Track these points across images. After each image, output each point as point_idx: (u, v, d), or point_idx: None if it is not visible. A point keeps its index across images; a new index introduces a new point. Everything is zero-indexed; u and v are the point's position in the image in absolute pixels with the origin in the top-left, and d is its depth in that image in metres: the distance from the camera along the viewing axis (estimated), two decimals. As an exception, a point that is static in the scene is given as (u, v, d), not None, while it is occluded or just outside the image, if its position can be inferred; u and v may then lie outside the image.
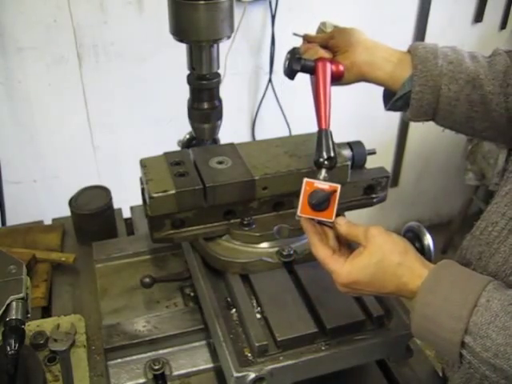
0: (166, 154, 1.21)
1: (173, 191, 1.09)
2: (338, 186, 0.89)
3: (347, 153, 1.23)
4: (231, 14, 1.17)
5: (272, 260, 1.10)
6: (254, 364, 0.95)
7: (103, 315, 1.21)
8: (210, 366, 1.14)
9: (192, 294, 1.24)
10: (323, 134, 0.96)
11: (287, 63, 1.05)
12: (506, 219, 0.85)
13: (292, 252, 1.11)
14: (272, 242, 1.14)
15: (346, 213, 1.21)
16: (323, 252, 0.87)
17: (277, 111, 2.58)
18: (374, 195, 1.26)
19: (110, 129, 2.37)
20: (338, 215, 0.90)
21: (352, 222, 0.88)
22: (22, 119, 2.23)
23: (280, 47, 2.40)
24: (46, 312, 1.27)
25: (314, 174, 0.94)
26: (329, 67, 1.02)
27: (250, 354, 0.97)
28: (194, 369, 1.13)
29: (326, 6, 2.37)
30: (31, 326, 1.14)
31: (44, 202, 2.39)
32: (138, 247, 1.38)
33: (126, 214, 1.61)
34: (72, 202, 1.46)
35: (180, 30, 1.17)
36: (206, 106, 1.29)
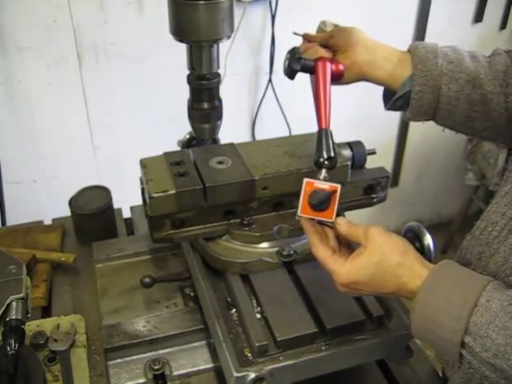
0: (166, 154, 1.21)
1: (173, 191, 1.09)
2: (339, 186, 0.89)
3: (347, 153, 1.23)
4: (231, 14, 1.17)
5: (272, 260, 1.10)
6: (254, 364, 0.95)
7: (103, 315, 1.21)
8: (210, 366, 1.14)
9: (192, 294, 1.24)
10: (323, 133, 0.96)
11: (287, 63, 1.05)
12: (506, 219, 0.85)
13: (292, 252, 1.11)
14: (272, 242, 1.14)
15: (346, 213, 1.21)
16: (323, 252, 0.87)
17: (277, 111, 2.58)
18: (374, 195, 1.26)
19: (110, 129, 2.37)
20: (338, 215, 0.90)
21: (352, 222, 0.88)
22: (22, 119, 2.23)
23: (280, 47, 2.40)
24: (46, 312, 1.27)
25: (314, 174, 0.94)
26: (329, 67, 1.02)
27: (249, 354, 0.97)
28: (194, 369, 1.13)
29: (326, 5, 2.37)
30: (31, 326, 1.14)
31: (44, 202, 2.39)
32: (138, 247, 1.38)
33: (126, 213, 1.61)
34: (72, 202, 1.46)
35: (180, 30, 1.17)
36: (206, 106, 1.29)
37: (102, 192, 1.49)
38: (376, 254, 0.82)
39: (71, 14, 2.07)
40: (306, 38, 1.14)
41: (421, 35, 2.67)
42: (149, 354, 1.14)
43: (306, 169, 1.15)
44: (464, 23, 2.78)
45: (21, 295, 0.85)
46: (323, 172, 0.93)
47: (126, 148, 2.38)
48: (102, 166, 2.44)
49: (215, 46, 1.23)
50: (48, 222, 1.59)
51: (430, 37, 2.67)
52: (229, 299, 1.10)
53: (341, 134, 1.16)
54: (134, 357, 1.14)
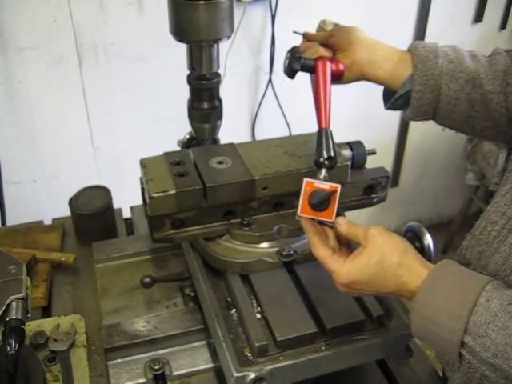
0: (166, 154, 1.21)
1: (173, 191, 1.09)
2: (339, 186, 0.89)
3: (347, 153, 1.23)
4: (231, 14, 1.17)
5: (272, 260, 1.10)
6: (253, 364, 0.95)
7: (103, 315, 1.21)
8: (210, 366, 1.14)
9: (192, 294, 1.24)
10: (323, 133, 0.96)
11: (287, 62, 1.05)
12: (506, 218, 0.85)
13: (292, 252, 1.11)
14: (272, 241, 1.14)
15: (346, 213, 1.21)
16: (323, 252, 0.87)
17: (277, 111, 2.58)
18: (374, 195, 1.26)
19: (110, 129, 2.37)
20: (338, 215, 0.90)
21: (352, 222, 0.88)
22: (22, 119, 2.23)
23: (280, 47, 2.40)
24: (46, 312, 1.27)
25: (313, 174, 0.94)
26: (329, 66, 1.02)
27: (250, 354, 0.97)
28: (194, 369, 1.13)
29: (326, 5, 2.37)
30: (31, 326, 1.14)
31: (44, 202, 2.39)
32: (138, 247, 1.38)
33: (126, 213, 1.61)
34: (72, 202, 1.46)
35: (180, 30, 1.17)
36: (205, 106, 1.29)
37: (102, 192, 1.49)
38: (376, 254, 0.82)
39: (71, 13, 2.08)
40: (306, 37, 1.14)
41: (421, 35, 2.67)
42: (149, 353, 1.14)
43: (305, 169, 1.15)
44: (464, 23, 2.78)
45: (21, 295, 0.85)
46: (323, 172, 0.93)
47: (126, 148, 2.38)
48: (102, 166, 2.44)
49: (215, 46, 1.23)
50: (48, 222, 1.59)
51: (430, 37, 2.67)
52: (229, 299, 1.10)
53: (341, 134, 1.16)
54: (134, 357, 1.14)
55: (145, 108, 2.35)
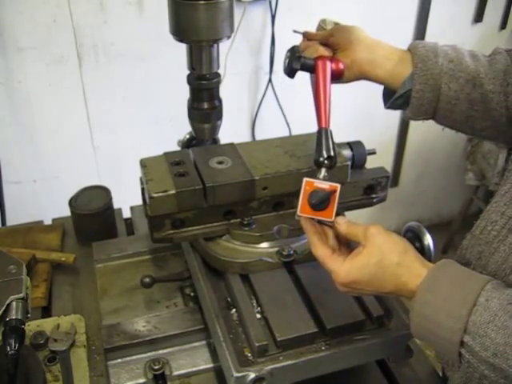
0: (166, 154, 1.21)
1: (173, 191, 1.09)
2: (338, 186, 0.89)
3: (347, 153, 1.23)
4: (231, 14, 1.17)
5: (272, 260, 1.10)
6: (253, 364, 0.95)
7: (103, 315, 1.21)
8: (210, 366, 1.14)
9: (192, 294, 1.24)
10: (323, 132, 0.96)
11: (287, 62, 1.05)
12: (506, 218, 0.85)
13: (292, 252, 1.11)
14: (272, 241, 1.14)
15: (346, 213, 1.21)
16: (323, 251, 0.87)
17: (277, 111, 2.58)
18: (374, 195, 1.26)
19: (110, 129, 2.37)
20: (337, 215, 0.90)
21: (352, 222, 0.88)
22: (22, 119, 2.23)
23: (280, 47, 2.40)
24: (46, 312, 1.27)
25: (313, 174, 0.93)
26: (329, 65, 1.02)
27: (249, 354, 0.97)
28: (194, 369, 1.13)
29: (326, 5, 2.38)
30: (31, 326, 1.14)
31: (44, 202, 2.39)
32: (138, 247, 1.38)
33: (126, 213, 1.61)
34: (72, 202, 1.46)
35: (180, 30, 1.17)
36: (205, 106, 1.29)
37: (102, 192, 1.49)
38: (375, 254, 0.82)
39: (71, 13, 2.08)
40: (306, 36, 1.14)
41: (421, 35, 2.67)
42: (149, 353, 1.14)
43: (305, 169, 1.15)
44: (464, 23, 2.78)
45: (21, 295, 0.85)
46: (323, 171, 0.93)
47: (126, 148, 2.38)
48: (102, 166, 2.44)
49: (215, 46, 1.23)
50: (48, 222, 1.59)
51: (430, 37, 2.67)
52: (229, 299, 1.10)
53: (341, 134, 1.16)
54: (134, 357, 1.14)
55: (145, 108, 2.35)
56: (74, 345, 1.09)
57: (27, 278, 0.89)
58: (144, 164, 1.18)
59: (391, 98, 1.05)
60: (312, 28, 1.17)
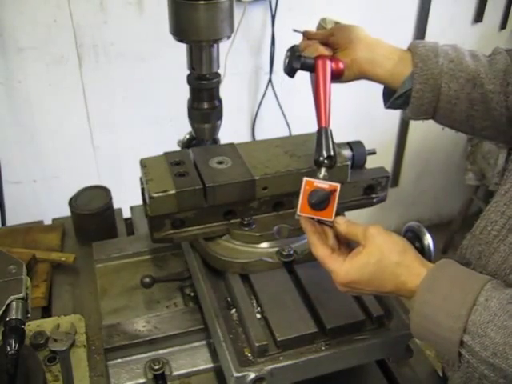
0: (166, 154, 1.21)
1: (173, 191, 1.09)
2: (338, 186, 0.89)
3: (347, 153, 1.23)
4: (231, 14, 1.17)
5: (272, 260, 1.10)
6: (253, 364, 0.95)
7: (103, 315, 1.21)
8: (210, 366, 1.14)
9: (192, 294, 1.24)
10: (323, 132, 0.96)
11: (287, 61, 1.05)
12: (506, 218, 0.85)
13: (292, 252, 1.11)
14: (272, 242, 1.14)
15: (346, 213, 1.21)
16: (322, 251, 0.87)
17: (277, 111, 2.58)
18: (374, 195, 1.26)
19: (110, 129, 2.37)
20: (337, 214, 0.89)
21: (351, 221, 0.88)
22: (22, 119, 2.23)
23: (280, 47, 2.40)
24: (46, 312, 1.27)
25: (313, 174, 0.93)
26: (329, 65, 1.02)
27: (249, 354, 0.97)
28: (194, 369, 1.13)
29: (326, 5, 2.37)
30: (31, 326, 1.14)
31: (44, 202, 2.39)
32: (138, 247, 1.38)
33: (126, 213, 1.61)
34: (72, 202, 1.46)
35: (180, 30, 1.17)
36: (205, 106, 1.29)
37: (102, 192, 1.49)
38: (375, 254, 0.82)
39: (71, 13, 2.08)
40: (306, 35, 1.13)
41: (421, 35, 2.67)
42: (149, 354, 1.14)
43: (305, 169, 1.15)
44: (464, 23, 2.78)
45: (21, 295, 0.85)
46: (323, 171, 0.93)
47: (126, 148, 2.38)
48: (102, 166, 2.44)
49: (215, 45, 1.23)
50: (48, 222, 1.59)
51: (430, 37, 2.67)
52: (229, 299, 1.10)
53: (341, 134, 1.16)
54: (134, 357, 1.14)
55: (145, 108, 2.35)
56: (74, 345, 1.09)
57: (27, 278, 0.89)
58: (144, 164, 1.18)
59: (391, 97, 1.05)
60: (312, 27, 1.17)
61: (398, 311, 1.05)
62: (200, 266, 1.15)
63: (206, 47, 1.21)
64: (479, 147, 2.90)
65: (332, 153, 0.94)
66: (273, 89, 2.52)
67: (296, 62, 1.02)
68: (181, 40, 1.19)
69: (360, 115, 2.74)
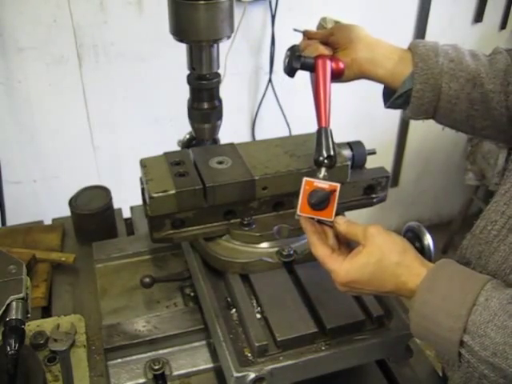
0: (166, 154, 1.21)
1: (173, 191, 1.09)
2: (338, 185, 0.89)
3: (347, 153, 1.23)
4: (231, 14, 1.17)
5: (272, 260, 1.10)
6: (254, 364, 0.95)
7: (103, 315, 1.21)
8: (210, 366, 1.13)
9: (192, 294, 1.24)
10: (323, 131, 0.96)
11: (287, 61, 1.05)
12: (506, 218, 0.85)
13: (292, 252, 1.11)
14: (272, 241, 1.14)
15: (346, 213, 1.21)
16: (322, 251, 0.87)
17: (277, 111, 2.58)
18: (374, 195, 1.26)
19: (110, 129, 2.37)
20: (337, 214, 0.89)
21: (351, 221, 0.88)
22: (22, 119, 2.23)
23: (280, 47, 2.40)
24: (46, 312, 1.27)
25: (313, 174, 0.93)
26: (329, 64, 1.02)
27: (249, 354, 0.97)
28: (194, 369, 1.13)
29: (326, 5, 2.37)
30: (31, 326, 1.14)
31: (44, 202, 2.39)
32: (138, 247, 1.38)
33: (126, 213, 1.61)
34: (72, 202, 1.46)
35: (180, 30, 1.17)
36: (205, 106, 1.29)
37: (102, 192, 1.49)
38: (375, 253, 0.82)
39: (71, 13, 2.08)
40: (306, 34, 1.13)
41: (421, 35, 2.67)
42: (149, 354, 1.14)
43: (305, 169, 1.15)
44: (464, 23, 2.78)
45: (21, 295, 0.85)
46: (323, 171, 0.93)
47: (126, 148, 2.39)
48: (102, 166, 2.44)
49: (215, 45, 1.23)
50: (48, 222, 1.59)
51: (430, 37, 2.67)
52: (229, 299, 1.10)
53: (341, 134, 1.16)
54: (134, 357, 1.14)
55: (145, 108, 2.35)
56: (74, 345, 1.09)
57: (27, 278, 0.89)
58: (144, 164, 1.18)
59: (391, 97, 1.05)
60: (312, 27, 1.17)
61: (397, 311, 1.05)
62: (200, 266, 1.15)
63: (206, 47, 1.21)
64: (479, 147, 2.90)
65: (332, 153, 0.94)
66: (273, 89, 2.52)
67: (296, 61, 1.02)
68: (181, 40, 1.19)
69: (360, 115, 2.74)
